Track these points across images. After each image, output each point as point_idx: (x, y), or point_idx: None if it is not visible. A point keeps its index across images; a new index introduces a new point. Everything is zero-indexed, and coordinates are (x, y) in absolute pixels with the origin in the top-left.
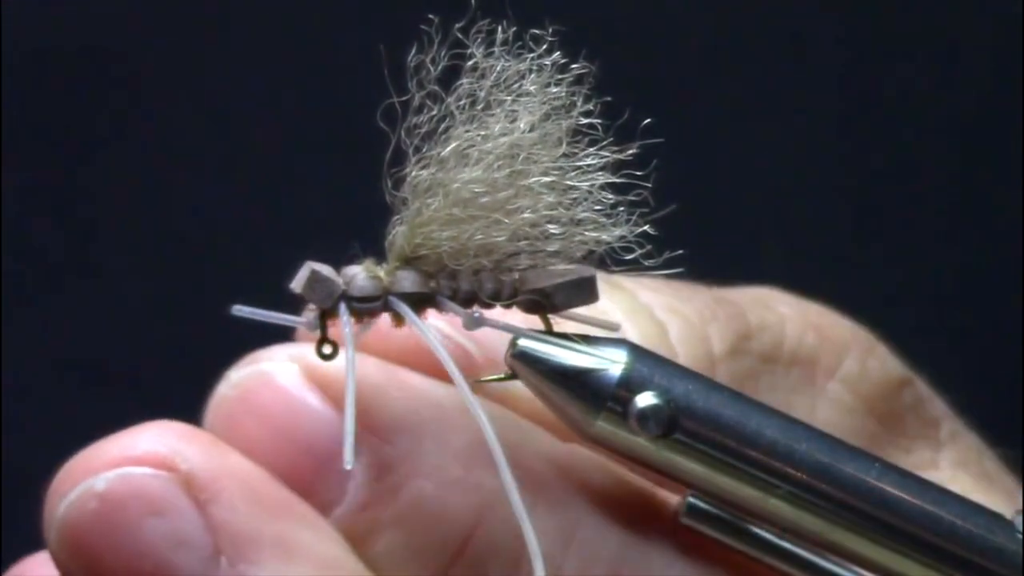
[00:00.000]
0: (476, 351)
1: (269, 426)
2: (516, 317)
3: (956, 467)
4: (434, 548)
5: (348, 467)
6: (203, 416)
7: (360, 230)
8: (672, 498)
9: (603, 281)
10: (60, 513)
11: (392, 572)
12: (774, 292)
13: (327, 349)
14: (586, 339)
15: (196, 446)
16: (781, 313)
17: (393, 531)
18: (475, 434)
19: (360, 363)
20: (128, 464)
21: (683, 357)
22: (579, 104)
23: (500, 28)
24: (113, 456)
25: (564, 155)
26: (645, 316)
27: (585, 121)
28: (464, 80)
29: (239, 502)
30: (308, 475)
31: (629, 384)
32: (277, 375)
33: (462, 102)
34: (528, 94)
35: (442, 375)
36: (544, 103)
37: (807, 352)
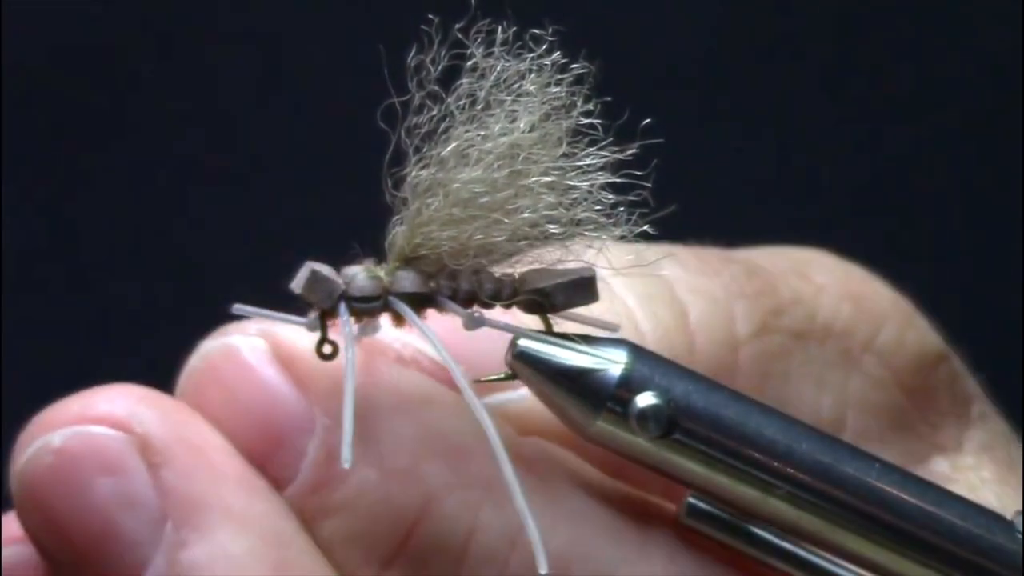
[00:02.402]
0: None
1: (232, 400)
2: (518, 317)
3: (981, 451)
4: (376, 538)
5: (346, 466)
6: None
7: (360, 230)
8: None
9: (632, 253)
10: (19, 467)
11: (338, 556)
12: (815, 256)
13: (327, 349)
14: (586, 339)
15: (154, 410)
16: (817, 283)
17: (339, 516)
18: (428, 426)
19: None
20: (85, 423)
21: (702, 341)
22: (579, 104)
23: (500, 28)
24: (72, 414)
25: (564, 155)
26: (663, 300)
27: (585, 121)
28: (464, 80)
29: (191, 469)
30: (265, 451)
31: (629, 384)
32: (243, 350)
33: (462, 102)
34: (528, 94)
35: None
36: (544, 103)
37: (843, 324)
